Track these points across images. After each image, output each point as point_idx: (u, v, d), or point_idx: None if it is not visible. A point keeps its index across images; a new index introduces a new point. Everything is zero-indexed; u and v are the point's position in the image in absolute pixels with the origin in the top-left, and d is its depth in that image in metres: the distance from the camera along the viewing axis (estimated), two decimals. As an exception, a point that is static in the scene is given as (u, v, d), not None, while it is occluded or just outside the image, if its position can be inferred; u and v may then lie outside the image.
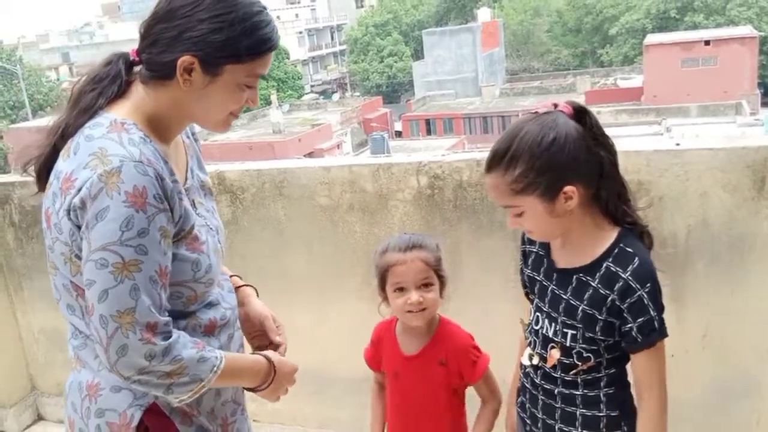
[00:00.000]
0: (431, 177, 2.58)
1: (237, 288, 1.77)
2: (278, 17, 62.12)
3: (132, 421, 1.44)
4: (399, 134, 39.99)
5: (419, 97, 44.38)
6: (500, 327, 2.09)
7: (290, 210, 2.84)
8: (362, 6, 71.30)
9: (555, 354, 1.65)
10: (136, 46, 1.45)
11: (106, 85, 1.44)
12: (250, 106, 1.52)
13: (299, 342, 2.95)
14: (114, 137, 1.36)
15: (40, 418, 3.57)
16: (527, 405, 1.76)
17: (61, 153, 1.40)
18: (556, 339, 1.65)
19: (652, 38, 38.12)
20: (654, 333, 1.55)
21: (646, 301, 1.52)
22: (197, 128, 1.66)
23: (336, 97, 50.99)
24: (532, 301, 1.75)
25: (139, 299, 1.32)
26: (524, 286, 1.80)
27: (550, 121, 1.50)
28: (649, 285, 1.52)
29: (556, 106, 1.55)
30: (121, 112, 1.42)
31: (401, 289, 1.89)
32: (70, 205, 1.32)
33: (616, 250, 1.56)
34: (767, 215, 2.22)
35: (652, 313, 1.53)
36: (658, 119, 30.87)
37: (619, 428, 1.65)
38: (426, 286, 1.89)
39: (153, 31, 1.41)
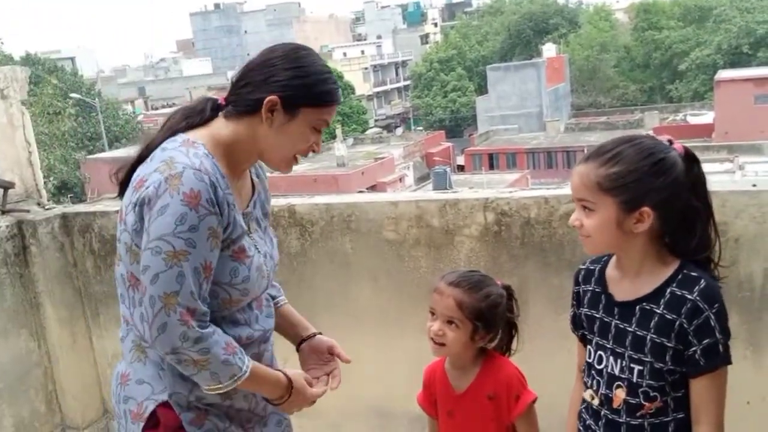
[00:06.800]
0: (498, 213, 2.58)
1: (308, 336, 2.00)
2: (344, 54, 63.37)
3: (145, 411, 1.67)
4: (461, 168, 39.93)
5: (482, 132, 44.31)
6: (568, 368, 2.06)
7: (357, 244, 2.88)
8: (427, 42, 72.10)
9: (620, 394, 1.62)
10: (224, 94, 1.73)
11: (191, 114, 1.71)
12: (314, 151, 1.75)
13: (363, 375, 2.97)
14: (183, 150, 1.62)
15: (110, 440, 3.67)
16: None
17: (142, 163, 1.66)
18: (622, 376, 1.62)
19: (723, 74, 37.18)
20: (717, 357, 1.52)
21: (713, 323, 1.51)
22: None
23: (400, 131, 51.36)
24: (590, 341, 1.73)
25: (183, 284, 1.54)
26: (579, 328, 1.78)
27: (665, 147, 1.55)
28: (717, 306, 1.52)
29: (671, 142, 1.57)
30: (196, 135, 1.68)
31: (433, 314, 1.96)
32: (138, 199, 1.57)
33: (679, 276, 1.56)
34: None
35: (717, 335, 1.51)
36: (731, 156, 29.91)
37: None
38: (450, 323, 1.91)
39: (245, 77, 1.68)
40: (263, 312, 1.82)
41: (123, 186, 1.69)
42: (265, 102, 1.62)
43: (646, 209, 1.52)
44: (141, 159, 1.67)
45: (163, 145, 1.65)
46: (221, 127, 1.69)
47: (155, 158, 1.62)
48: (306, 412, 1.89)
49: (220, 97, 1.72)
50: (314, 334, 2.02)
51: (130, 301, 1.67)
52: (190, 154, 1.59)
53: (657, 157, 1.52)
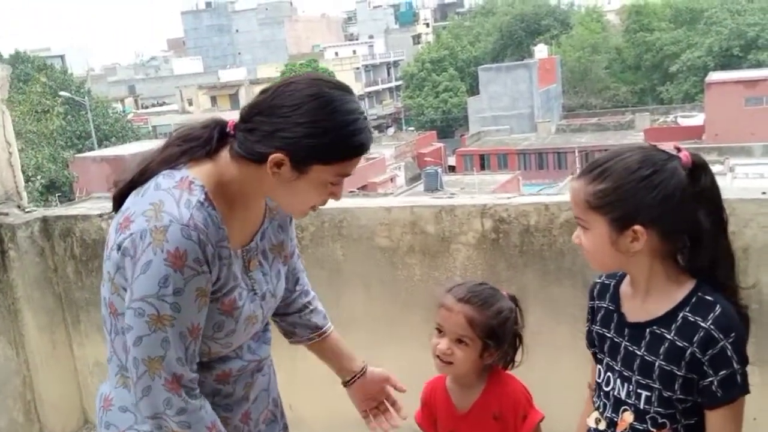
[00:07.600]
0: (496, 220, 2.49)
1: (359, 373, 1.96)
2: (336, 53, 63.31)
3: None
4: (452, 169, 39.94)
5: (473, 133, 44.34)
6: (567, 379, 1.98)
7: (348, 250, 2.78)
8: (419, 42, 72.18)
9: (627, 418, 1.53)
10: (235, 118, 1.53)
11: (194, 146, 1.52)
12: (335, 199, 1.57)
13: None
14: (175, 194, 1.45)
15: (91, 451, 3.56)
16: None
17: (136, 189, 1.51)
18: (629, 401, 1.53)
19: (714, 76, 37.38)
20: (735, 388, 1.43)
21: (729, 353, 1.41)
22: None
23: (391, 131, 51.35)
24: (601, 361, 1.64)
25: (168, 350, 1.44)
26: (591, 345, 1.68)
27: (660, 159, 1.43)
28: (733, 335, 1.42)
29: (679, 150, 1.46)
30: (197, 172, 1.50)
31: (440, 331, 1.85)
32: (120, 244, 1.44)
33: (693, 299, 1.46)
34: None
35: (735, 366, 1.42)
36: (721, 158, 30.02)
37: None
38: (460, 342, 1.81)
39: (252, 119, 1.47)
40: (259, 339, 1.71)
41: (116, 201, 1.55)
42: (269, 159, 1.43)
43: (638, 228, 1.42)
44: (134, 184, 1.51)
45: (158, 180, 1.48)
46: (226, 165, 1.50)
47: (147, 193, 1.46)
48: (293, 424, 1.82)
49: (230, 122, 1.53)
50: (363, 370, 1.96)
51: (111, 326, 1.55)
52: (182, 202, 1.43)
53: (646, 172, 1.41)
